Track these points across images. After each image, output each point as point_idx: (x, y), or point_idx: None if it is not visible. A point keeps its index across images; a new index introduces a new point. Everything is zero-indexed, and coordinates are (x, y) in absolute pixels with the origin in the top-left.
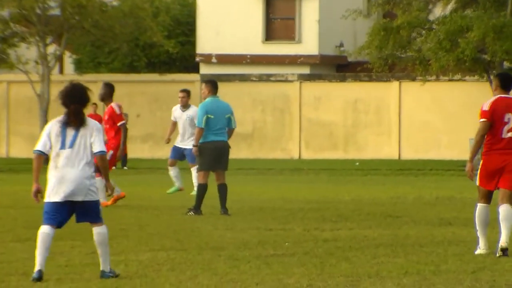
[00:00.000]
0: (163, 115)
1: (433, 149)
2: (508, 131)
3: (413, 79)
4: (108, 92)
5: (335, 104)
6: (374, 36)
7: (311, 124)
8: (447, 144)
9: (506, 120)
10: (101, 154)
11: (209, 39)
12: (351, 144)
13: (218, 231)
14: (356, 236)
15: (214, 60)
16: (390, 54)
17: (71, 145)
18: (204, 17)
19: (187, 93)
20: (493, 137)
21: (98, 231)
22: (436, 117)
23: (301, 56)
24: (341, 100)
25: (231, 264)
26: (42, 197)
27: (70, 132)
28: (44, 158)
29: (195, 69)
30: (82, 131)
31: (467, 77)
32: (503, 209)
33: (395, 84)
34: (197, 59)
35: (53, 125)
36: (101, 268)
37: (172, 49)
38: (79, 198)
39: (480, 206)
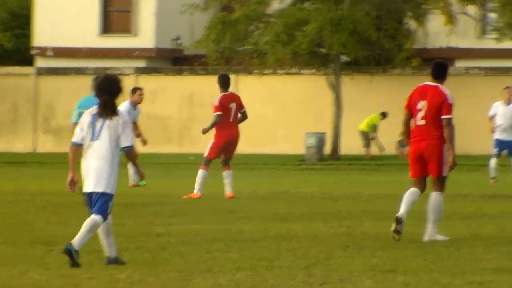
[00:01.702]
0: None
1: (269, 144)
2: (422, 119)
3: (250, 73)
4: None
5: (171, 97)
6: (211, 30)
7: (147, 118)
8: (283, 138)
9: (419, 107)
10: (127, 149)
11: (46, 32)
12: (186, 138)
13: (51, 225)
14: (189, 231)
15: (50, 53)
16: (227, 47)
17: (98, 137)
18: (40, 10)
19: None
20: (413, 125)
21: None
22: (273, 111)
23: (137, 49)
24: (177, 94)
25: (63, 259)
26: (78, 187)
27: (99, 124)
28: (79, 149)
29: (30, 62)
30: (109, 123)
31: (304, 71)
32: (430, 196)
33: (231, 78)
34: (33, 52)
35: (86, 116)
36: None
37: (7, 43)
38: (100, 189)
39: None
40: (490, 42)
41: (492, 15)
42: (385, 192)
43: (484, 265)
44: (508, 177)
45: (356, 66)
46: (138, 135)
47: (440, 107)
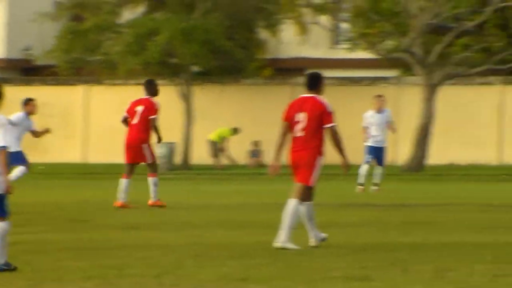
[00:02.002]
0: None
1: (121, 153)
2: (301, 131)
3: (101, 83)
4: None
5: (21, 108)
6: (61, 39)
7: None
8: None
9: (297, 119)
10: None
11: None
12: (35, 148)
13: None
14: (39, 240)
15: None
16: (77, 57)
17: None
18: None
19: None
20: (292, 137)
21: None
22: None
23: None
24: None
25: None
26: None
27: None
28: None
29: None
30: None
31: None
32: (288, 203)
33: (81, 88)
34: None
35: None
36: None
37: None
38: None
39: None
40: (342, 52)
41: (345, 25)
42: (235, 201)
43: (334, 273)
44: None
45: (207, 76)
46: (41, 132)
47: (320, 118)
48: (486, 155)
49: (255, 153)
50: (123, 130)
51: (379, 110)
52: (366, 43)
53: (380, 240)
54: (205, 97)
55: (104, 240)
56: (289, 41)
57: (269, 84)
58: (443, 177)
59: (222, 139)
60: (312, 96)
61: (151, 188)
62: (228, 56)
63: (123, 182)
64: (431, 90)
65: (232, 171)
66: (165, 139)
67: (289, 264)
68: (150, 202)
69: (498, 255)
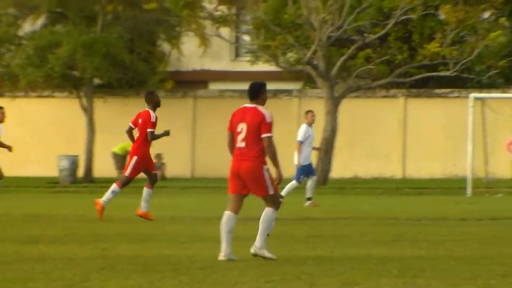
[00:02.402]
0: None
1: (22, 166)
2: (242, 141)
3: (1, 95)
4: None
5: None
6: None
7: None
8: (36, 160)
9: (239, 130)
10: None
11: None
12: None
13: None
14: None
15: None
16: None
17: None
18: None
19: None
20: (235, 146)
21: None
22: (25, 133)
23: None
24: None
25: None
26: None
27: None
28: None
29: None
30: None
31: (56, 93)
32: (265, 211)
33: None
34: None
35: None
36: None
37: None
38: None
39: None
40: (244, 65)
41: (246, 38)
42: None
43: (240, 287)
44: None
45: (109, 89)
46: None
47: (259, 127)
48: (390, 168)
49: (157, 165)
50: (26, 142)
51: (311, 124)
52: (268, 56)
53: (285, 254)
54: (107, 110)
55: (6, 253)
56: (191, 53)
57: (171, 97)
58: (347, 190)
59: (126, 152)
60: (253, 106)
61: (108, 195)
62: (130, 69)
63: (144, 191)
64: (334, 103)
65: (136, 184)
66: (67, 151)
67: (194, 277)
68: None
69: (404, 269)
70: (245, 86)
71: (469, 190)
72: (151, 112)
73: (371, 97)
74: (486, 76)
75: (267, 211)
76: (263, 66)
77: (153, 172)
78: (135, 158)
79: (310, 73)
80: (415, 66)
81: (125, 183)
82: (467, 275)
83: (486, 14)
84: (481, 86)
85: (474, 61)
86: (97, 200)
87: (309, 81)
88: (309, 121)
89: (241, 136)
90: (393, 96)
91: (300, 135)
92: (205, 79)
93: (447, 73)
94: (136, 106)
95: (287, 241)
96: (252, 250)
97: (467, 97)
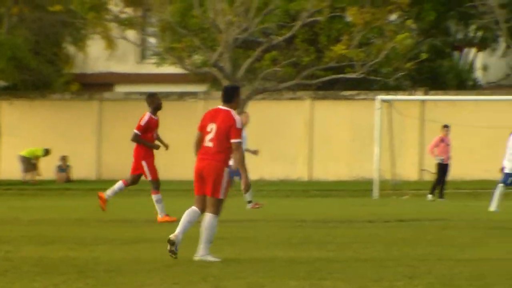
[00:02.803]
0: None
1: None
2: (209, 141)
3: None
4: None
5: None
6: None
7: None
8: None
9: (208, 129)
10: None
11: None
12: None
13: None
14: None
15: None
16: None
17: None
18: None
19: None
20: (202, 146)
21: None
22: None
23: None
24: None
25: None
26: None
27: None
28: None
29: None
30: None
31: None
32: (205, 217)
33: None
34: None
35: None
36: None
37: None
38: None
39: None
40: (150, 67)
41: (152, 40)
42: (44, 217)
43: None
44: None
45: (15, 91)
46: None
47: (229, 131)
48: (297, 171)
49: (63, 168)
50: None
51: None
52: (174, 58)
53: (191, 256)
54: (13, 112)
55: None
56: (97, 56)
57: (77, 99)
58: (253, 192)
59: (35, 156)
60: (227, 109)
61: (155, 205)
62: (35, 71)
63: (117, 183)
64: (240, 105)
65: (41, 186)
66: None
67: (99, 279)
68: (158, 218)
69: (311, 271)
70: (151, 88)
71: (375, 192)
72: (147, 115)
73: (278, 99)
74: (392, 78)
75: (209, 218)
76: (169, 69)
77: (137, 175)
78: (144, 163)
79: (216, 75)
80: (321, 68)
81: (156, 187)
82: (374, 277)
83: (393, 16)
84: (387, 88)
85: (381, 63)
86: (160, 218)
87: (215, 84)
88: (243, 122)
89: (209, 136)
90: (300, 98)
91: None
92: (111, 82)
93: (354, 75)
94: (42, 109)
95: (193, 244)
96: (196, 258)
97: (373, 99)
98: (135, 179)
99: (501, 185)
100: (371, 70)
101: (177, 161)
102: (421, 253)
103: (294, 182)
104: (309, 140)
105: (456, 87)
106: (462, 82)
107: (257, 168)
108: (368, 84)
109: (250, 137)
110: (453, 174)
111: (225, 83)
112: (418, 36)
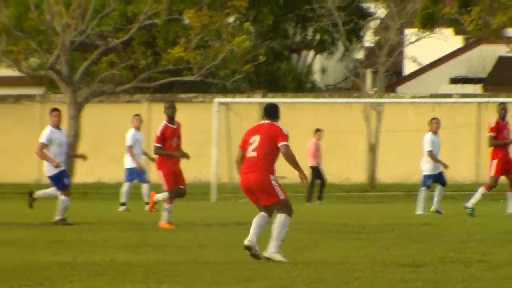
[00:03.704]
0: None
1: None
2: (253, 151)
3: None
4: None
5: None
6: None
7: None
8: None
9: (251, 141)
10: None
11: None
12: None
13: None
14: None
15: None
16: None
17: None
18: None
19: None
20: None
21: None
22: None
23: None
24: None
25: None
26: None
27: None
28: None
29: None
30: None
31: None
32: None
33: None
34: None
35: None
36: None
37: None
38: None
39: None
40: None
41: None
42: None
43: None
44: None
45: None
46: None
47: (274, 138)
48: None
49: None
50: None
51: (138, 129)
52: (10, 61)
53: (28, 259)
54: None
55: None
56: None
57: None
58: (91, 195)
59: None
60: (269, 122)
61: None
62: None
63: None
64: (76, 107)
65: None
66: None
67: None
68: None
69: (148, 274)
70: None
71: (214, 196)
72: (162, 124)
73: (115, 102)
74: (230, 81)
75: (281, 217)
76: (5, 71)
77: (181, 187)
78: (160, 172)
79: (53, 78)
80: (159, 71)
81: (173, 196)
82: (212, 280)
83: (231, 19)
84: (225, 91)
85: (219, 66)
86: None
87: (52, 86)
88: (136, 125)
89: (252, 146)
90: (137, 101)
91: (128, 140)
92: None
93: (192, 78)
94: None
95: (29, 246)
96: (265, 255)
97: (211, 101)
98: (179, 191)
99: (423, 188)
100: (209, 72)
101: (14, 164)
102: None
103: (133, 185)
104: (146, 142)
105: (294, 90)
106: (301, 84)
107: (94, 171)
108: (206, 86)
109: (86, 140)
110: (292, 177)
111: (62, 85)
112: (256, 39)
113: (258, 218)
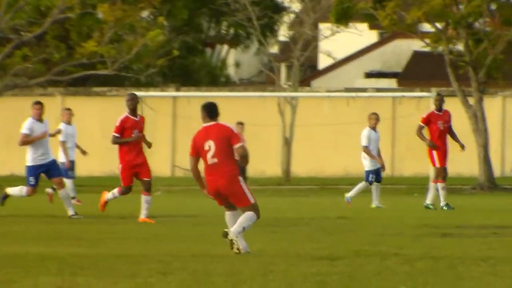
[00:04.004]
0: None
1: None
2: (212, 157)
3: None
4: None
5: None
6: None
7: None
8: None
9: (206, 148)
10: None
11: None
12: None
13: None
14: None
15: None
16: None
17: None
18: None
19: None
20: (205, 165)
21: None
22: None
23: None
24: None
25: None
26: None
27: None
28: None
29: None
30: None
31: None
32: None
33: None
34: None
35: None
36: None
37: None
38: None
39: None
40: None
41: None
42: None
43: None
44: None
45: None
46: None
47: (229, 140)
48: None
49: None
50: None
51: (69, 123)
52: None
53: None
54: None
55: None
56: None
57: None
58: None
59: None
60: (215, 123)
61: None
62: None
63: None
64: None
65: None
66: None
67: None
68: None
69: (63, 267)
70: None
71: None
72: (123, 115)
73: (29, 95)
74: (144, 75)
75: (250, 213)
76: None
77: (145, 179)
78: (119, 166)
79: None
80: (72, 64)
81: (123, 192)
82: (127, 273)
83: (145, 13)
84: (139, 84)
85: (133, 59)
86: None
87: None
88: (66, 119)
89: (211, 153)
90: (51, 95)
91: (61, 136)
92: None
93: (105, 72)
94: None
95: None
96: (227, 232)
97: (125, 95)
98: (143, 183)
99: (364, 183)
100: (123, 66)
101: None
102: (174, 249)
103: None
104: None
105: (208, 84)
106: (215, 78)
107: (7, 164)
108: (120, 80)
109: (1, 133)
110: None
111: None
112: (170, 33)
113: (229, 215)
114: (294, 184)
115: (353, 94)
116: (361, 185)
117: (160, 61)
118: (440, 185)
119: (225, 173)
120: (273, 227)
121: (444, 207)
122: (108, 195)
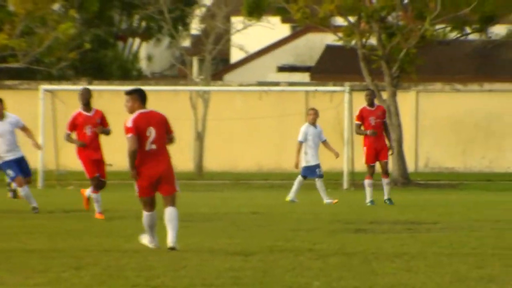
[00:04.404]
0: None
1: None
2: (152, 143)
3: None
4: None
5: None
6: None
7: None
8: None
9: (148, 134)
10: None
11: None
12: None
13: None
14: None
15: None
16: None
17: None
18: None
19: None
20: (141, 151)
21: None
22: None
23: None
24: None
25: None
26: None
27: None
28: None
29: None
30: None
31: None
32: (168, 211)
33: None
34: None
35: None
36: None
37: None
38: None
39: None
40: None
41: None
42: None
43: None
44: None
45: None
46: None
47: (165, 127)
48: None
49: None
50: None
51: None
52: None
53: None
54: None
55: None
56: None
57: None
58: None
59: None
60: (151, 110)
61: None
62: None
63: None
64: None
65: None
66: None
67: None
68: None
69: None
70: None
71: (40, 182)
72: (76, 111)
73: None
74: (56, 68)
75: (173, 210)
76: None
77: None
78: (80, 162)
79: None
80: None
81: (95, 186)
82: (40, 268)
83: (56, 6)
84: (51, 78)
85: (44, 53)
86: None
87: None
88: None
89: (150, 139)
90: None
91: None
92: None
93: (17, 65)
94: None
95: None
96: (171, 245)
97: (37, 89)
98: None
99: (318, 180)
100: (34, 60)
101: None
102: (87, 244)
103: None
104: None
105: (120, 77)
106: (127, 72)
107: None
108: (31, 74)
109: None
110: (121, 164)
111: None
112: (82, 26)
113: (148, 216)
114: (207, 179)
115: (265, 88)
116: (318, 183)
117: (71, 54)
118: (366, 181)
119: (165, 159)
120: (186, 222)
121: (368, 203)
122: (87, 192)
